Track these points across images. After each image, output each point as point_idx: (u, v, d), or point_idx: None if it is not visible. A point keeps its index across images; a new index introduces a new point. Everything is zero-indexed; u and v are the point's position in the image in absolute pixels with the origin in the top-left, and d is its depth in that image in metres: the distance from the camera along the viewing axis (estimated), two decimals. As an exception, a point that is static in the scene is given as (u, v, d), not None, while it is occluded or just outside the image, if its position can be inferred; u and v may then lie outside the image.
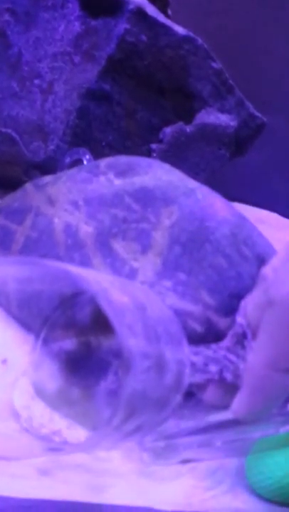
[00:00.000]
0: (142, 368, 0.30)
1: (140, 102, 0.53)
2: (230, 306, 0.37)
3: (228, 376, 0.33)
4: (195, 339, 0.36)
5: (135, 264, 0.38)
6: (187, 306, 0.37)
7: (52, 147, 0.51)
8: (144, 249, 0.39)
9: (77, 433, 0.39)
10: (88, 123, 0.52)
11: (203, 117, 0.53)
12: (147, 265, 0.38)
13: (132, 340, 0.29)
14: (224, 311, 0.37)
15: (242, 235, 0.38)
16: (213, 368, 0.33)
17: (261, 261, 0.37)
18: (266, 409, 0.33)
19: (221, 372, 0.33)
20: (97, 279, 0.33)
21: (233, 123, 0.54)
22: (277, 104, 0.70)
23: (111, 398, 0.39)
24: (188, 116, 0.54)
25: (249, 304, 0.34)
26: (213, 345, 0.34)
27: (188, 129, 0.53)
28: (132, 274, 0.38)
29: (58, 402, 0.39)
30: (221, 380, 0.33)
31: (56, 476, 0.36)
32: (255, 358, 0.31)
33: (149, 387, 0.31)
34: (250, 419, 0.33)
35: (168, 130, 0.52)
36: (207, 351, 0.34)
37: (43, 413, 0.39)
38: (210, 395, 0.35)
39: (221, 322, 0.37)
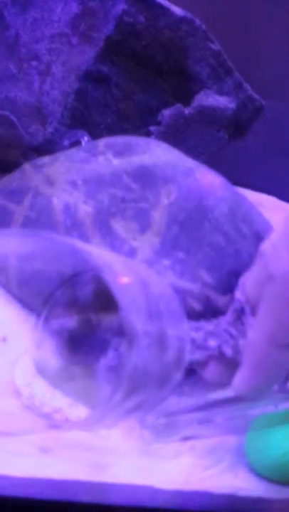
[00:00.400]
0: (144, 343, 0.30)
1: (138, 83, 0.52)
2: (228, 284, 0.37)
3: (228, 351, 0.33)
4: (194, 317, 0.36)
5: (134, 244, 0.38)
6: (186, 284, 0.37)
7: (50, 130, 0.51)
8: (143, 228, 0.39)
9: (79, 411, 0.39)
10: (86, 105, 0.51)
11: (202, 99, 0.53)
12: (146, 244, 0.38)
13: (135, 315, 0.29)
14: (222, 289, 0.37)
15: (240, 212, 0.38)
16: (213, 343, 0.33)
17: (259, 238, 0.37)
18: (267, 386, 0.33)
19: (220, 347, 0.33)
20: (101, 254, 0.33)
21: (232, 105, 0.53)
22: (276, 88, 0.70)
23: (112, 375, 0.39)
24: (186, 99, 0.53)
25: (248, 281, 0.34)
26: (214, 320, 0.34)
27: (187, 111, 0.52)
28: (131, 253, 0.38)
29: (59, 380, 0.40)
30: (221, 356, 0.34)
31: (57, 454, 0.37)
32: (256, 334, 0.31)
33: (150, 364, 0.31)
34: (250, 396, 0.33)
35: (166, 112, 0.52)
36: (207, 326, 0.34)
37: (45, 391, 0.39)
38: (210, 371, 0.35)
39: (220, 300, 0.37)
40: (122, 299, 0.29)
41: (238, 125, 0.55)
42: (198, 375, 0.37)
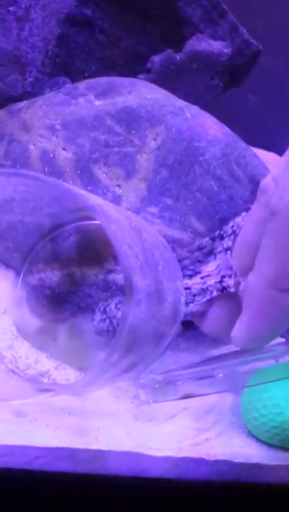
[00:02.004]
0: (143, 297, 0.27)
1: (125, 28, 0.49)
2: (222, 232, 0.34)
3: (231, 284, 0.29)
4: (183, 268, 0.33)
5: (118, 191, 0.35)
6: (175, 233, 0.34)
7: (30, 79, 0.47)
8: (128, 174, 0.35)
9: (66, 373, 0.36)
10: (69, 52, 0.48)
11: (194, 44, 0.49)
12: (131, 191, 0.35)
13: (132, 260, 0.26)
14: (216, 238, 0.34)
15: (234, 155, 0.34)
16: (212, 281, 0.30)
17: (255, 183, 0.34)
18: (271, 335, 0.30)
19: (222, 282, 0.29)
20: (93, 197, 0.30)
21: (227, 50, 0.50)
22: (277, 44, 0.66)
23: (103, 336, 0.36)
24: (177, 44, 0.50)
25: (249, 222, 0.30)
26: (210, 260, 0.32)
27: (178, 57, 0.49)
28: (115, 202, 0.35)
29: (42, 341, 0.37)
30: (222, 294, 0.30)
31: (37, 419, 0.34)
32: (257, 277, 0.28)
33: (148, 319, 0.28)
34: (252, 347, 0.30)
35: (156, 59, 0.48)
36: (204, 268, 0.31)
37: (28, 353, 0.36)
38: (210, 320, 0.32)
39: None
40: (118, 241, 0.26)
41: (233, 72, 0.51)
42: (195, 328, 0.34)
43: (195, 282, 0.31)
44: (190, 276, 0.31)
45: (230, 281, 0.29)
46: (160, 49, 0.49)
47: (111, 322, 0.34)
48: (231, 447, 0.34)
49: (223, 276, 0.30)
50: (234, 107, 0.56)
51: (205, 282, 0.30)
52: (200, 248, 0.33)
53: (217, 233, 0.33)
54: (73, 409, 0.34)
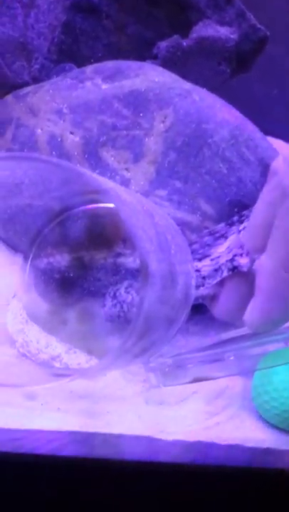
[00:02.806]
0: (158, 281, 0.27)
1: (131, 14, 0.48)
2: (230, 215, 0.33)
3: (244, 263, 0.29)
4: (192, 252, 0.33)
5: (127, 174, 0.35)
6: (184, 215, 0.34)
7: (36, 66, 0.47)
8: (136, 157, 0.35)
9: (77, 357, 0.36)
10: (75, 39, 0.47)
11: (201, 30, 0.49)
12: (140, 174, 0.35)
13: (148, 244, 0.26)
14: (224, 220, 0.33)
15: (243, 137, 0.34)
16: (223, 260, 0.30)
17: (265, 165, 0.34)
18: (283, 318, 0.29)
19: (233, 261, 0.29)
20: (105, 180, 0.30)
21: (234, 36, 0.49)
22: (281, 33, 0.66)
23: (114, 321, 0.36)
24: (184, 29, 0.49)
25: (261, 203, 0.30)
26: (233, 227, 0.31)
27: (185, 42, 0.48)
28: (123, 185, 0.35)
29: (53, 325, 0.37)
30: (234, 269, 0.30)
31: (48, 403, 0.34)
32: (270, 258, 0.28)
33: (162, 302, 0.28)
34: (264, 329, 0.30)
35: (163, 44, 0.48)
36: (215, 250, 0.31)
37: (39, 337, 0.36)
38: (222, 303, 0.31)
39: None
40: (132, 225, 0.26)
41: (240, 58, 0.51)
42: (204, 312, 0.34)
43: (205, 264, 0.31)
44: (199, 259, 0.31)
45: (241, 260, 0.29)
46: (167, 35, 0.49)
47: (122, 307, 0.34)
48: (242, 431, 0.34)
49: (235, 255, 0.29)
50: (241, 94, 0.55)
51: (217, 263, 0.30)
52: (212, 233, 0.33)
53: (235, 218, 0.33)
54: (84, 392, 0.34)
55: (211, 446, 0.33)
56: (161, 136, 0.34)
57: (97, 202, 0.34)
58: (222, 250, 0.30)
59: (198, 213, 0.33)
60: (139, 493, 0.34)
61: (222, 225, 0.33)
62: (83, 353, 0.35)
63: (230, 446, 0.33)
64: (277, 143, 0.58)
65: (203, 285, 0.31)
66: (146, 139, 0.34)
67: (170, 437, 0.33)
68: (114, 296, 0.35)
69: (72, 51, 0.48)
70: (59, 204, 0.35)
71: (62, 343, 0.36)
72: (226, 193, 0.33)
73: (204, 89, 0.37)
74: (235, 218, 0.33)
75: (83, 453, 0.33)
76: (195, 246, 0.33)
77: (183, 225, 0.33)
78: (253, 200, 0.33)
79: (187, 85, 0.36)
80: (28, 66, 0.48)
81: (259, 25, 0.50)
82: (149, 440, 0.33)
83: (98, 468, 0.33)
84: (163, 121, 0.35)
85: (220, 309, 0.32)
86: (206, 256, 0.32)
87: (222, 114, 0.34)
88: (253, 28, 0.50)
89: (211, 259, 0.31)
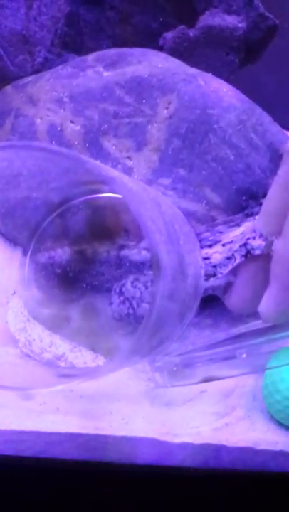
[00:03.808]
0: (169, 274, 0.25)
1: (136, 4, 0.47)
2: (238, 203, 0.32)
3: (255, 245, 0.27)
4: (202, 240, 0.31)
5: (129, 163, 0.33)
6: (189, 205, 0.32)
7: (39, 59, 0.46)
8: (139, 145, 0.33)
9: (83, 356, 0.34)
10: (78, 31, 0.46)
11: (208, 19, 0.47)
12: (143, 163, 0.33)
13: (158, 236, 0.25)
14: (232, 209, 0.32)
15: (251, 121, 0.32)
16: (236, 246, 0.28)
17: (274, 150, 0.32)
18: None
19: (246, 244, 0.27)
20: (108, 168, 0.29)
21: (242, 25, 0.48)
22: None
23: (122, 320, 0.34)
24: (190, 19, 0.48)
25: (276, 186, 0.28)
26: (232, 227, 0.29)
27: (192, 32, 0.47)
28: (126, 174, 0.33)
29: (56, 323, 0.35)
30: (247, 255, 0.28)
31: (46, 403, 0.32)
32: (285, 242, 0.26)
33: (174, 297, 0.26)
34: (279, 321, 0.28)
35: (169, 35, 0.47)
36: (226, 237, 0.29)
37: (42, 336, 0.35)
38: (235, 294, 0.30)
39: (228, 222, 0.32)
40: (141, 215, 0.24)
41: (249, 47, 0.50)
42: (214, 306, 0.32)
43: (216, 251, 0.29)
44: (210, 246, 0.29)
45: (253, 242, 0.27)
46: (173, 25, 0.47)
47: (130, 304, 0.33)
48: (254, 433, 0.32)
49: (248, 239, 0.27)
50: (250, 85, 0.54)
51: (230, 249, 0.28)
52: (226, 222, 0.31)
53: (256, 210, 0.31)
54: (85, 391, 0.32)
55: (220, 449, 0.32)
56: (164, 123, 0.33)
57: (98, 192, 0.33)
58: (235, 235, 0.29)
59: (204, 202, 0.31)
60: (143, 500, 0.32)
61: (240, 215, 0.32)
62: (88, 351, 0.34)
63: (240, 449, 0.31)
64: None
65: (214, 274, 0.29)
66: (149, 126, 0.33)
67: (177, 440, 0.31)
68: (121, 293, 0.33)
69: (76, 43, 0.47)
70: (59, 195, 0.33)
71: (66, 341, 0.34)
72: (233, 181, 0.32)
73: (210, 74, 0.35)
74: (256, 210, 0.31)
75: (84, 456, 0.31)
76: (206, 234, 0.31)
77: (188, 214, 0.31)
78: (262, 188, 0.31)
79: (192, 70, 0.35)
80: (30, 59, 0.47)
81: (268, 14, 0.49)
82: (155, 443, 0.32)
83: (100, 473, 0.31)
84: (167, 108, 0.33)
85: (233, 300, 0.30)
86: (216, 242, 0.30)
87: (229, 99, 0.33)
88: (261, 16, 0.49)
89: (223, 245, 0.29)
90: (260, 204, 0.32)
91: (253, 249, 0.27)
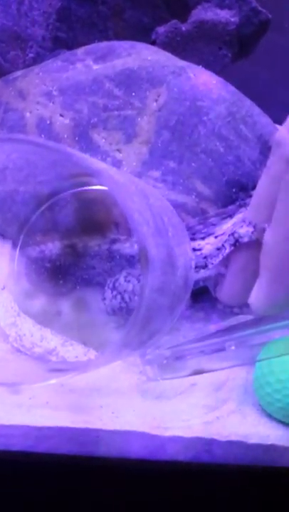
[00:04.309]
0: (158, 267, 0.25)
1: (128, -1, 0.47)
2: (228, 196, 0.32)
3: (242, 232, 0.27)
4: (195, 232, 0.31)
5: (119, 156, 0.33)
6: (178, 197, 0.32)
7: (31, 55, 0.46)
8: (128, 138, 0.33)
9: (74, 350, 0.34)
10: (70, 26, 0.46)
11: (200, 14, 0.47)
12: (132, 155, 0.33)
13: (145, 228, 0.24)
14: (222, 201, 0.32)
15: (241, 113, 0.32)
16: (226, 236, 0.28)
17: (264, 142, 0.32)
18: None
19: (234, 233, 0.27)
20: (95, 161, 0.29)
21: (234, 19, 0.48)
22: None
23: (116, 314, 0.34)
24: (182, 13, 0.48)
25: (265, 176, 0.28)
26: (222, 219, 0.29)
27: (184, 27, 0.47)
28: (115, 167, 0.33)
29: (47, 317, 0.35)
30: (236, 243, 0.28)
31: (35, 396, 0.32)
32: (274, 232, 0.26)
33: (163, 289, 0.26)
34: (269, 312, 0.28)
35: (161, 30, 0.47)
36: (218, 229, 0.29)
37: (33, 331, 0.35)
38: (226, 285, 0.29)
39: (218, 213, 0.32)
40: (128, 207, 0.24)
41: (242, 41, 0.49)
42: (204, 300, 0.32)
43: (208, 242, 0.29)
44: (202, 238, 0.29)
45: (241, 230, 0.27)
46: (165, 19, 0.47)
47: (123, 298, 0.33)
48: (245, 427, 0.32)
49: (236, 228, 0.27)
50: (243, 79, 0.54)
51: (221, 240, 0.28)
52: (219, 214, 0.31)
53: (248, 201, 0.31)
54: (74, 385, 0.32)
55: (211, 442, 0.31)
56: (154, 116, 0.33)
57: (86, 185, 0.33)
58: (228, 226, 0.29)
59: (194, 194, 0.31)
60: (134, 494, 0.32)
61: (233, 206, 0.32)
62: (80, 345, 0.34)
63: (231, 443, 0.31)
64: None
65: (206, 265, 0.29)
66: (139, 119, 0.33)
67: (167, 433, 0.31)
68: (114, 287, 0.33)
69: (68, 39, 0.47)
70: (48, 189, 0.33)
71: (57, 335, 0.34)
72: (223, 173, 0.32)
73: (200, 66, 0.35)
74: (248, 201, 0.31)
75: (74, 451, 0.31)
76: (199, 227, 0.31)
77: (178, 206, 0.31)
78: (252, 180, 0.31)
79: (181, 62, 0.35)
80: (22, 55, 0.47)
81: (260, 8, 0.49)
82: (145, 436, 0.31)
83: (90, 467, 0.31)
84: (156, 100, 0.33)
85: (224, 292, 0.30)
86: (210, 234, 0.30)
87: (218, 91, 0.33)
88: (254, 10, 0.48)
89: (215, 237, 0.29)
90: (251, 196, 0.32)
91: (240, 237, 0.27)
